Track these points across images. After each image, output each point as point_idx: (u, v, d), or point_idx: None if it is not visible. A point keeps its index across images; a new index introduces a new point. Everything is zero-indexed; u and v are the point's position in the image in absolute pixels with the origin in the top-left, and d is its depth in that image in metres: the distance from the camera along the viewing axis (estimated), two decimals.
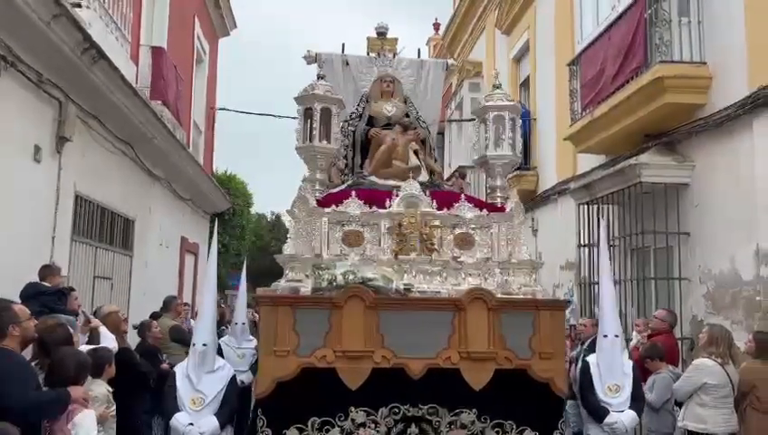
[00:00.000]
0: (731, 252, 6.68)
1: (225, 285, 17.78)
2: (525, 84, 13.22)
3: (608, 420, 4.83)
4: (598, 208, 8.76)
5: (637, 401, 5.00)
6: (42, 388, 3.87)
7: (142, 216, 10.27)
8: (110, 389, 4.48)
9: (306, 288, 4.98)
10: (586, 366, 5.08)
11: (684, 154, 7.55)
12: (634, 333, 6.99)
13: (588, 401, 5.02)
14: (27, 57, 6.15)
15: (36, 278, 5.87)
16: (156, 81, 9.84)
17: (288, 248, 5.32)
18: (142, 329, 6.96)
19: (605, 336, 5.03)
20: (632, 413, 4.89)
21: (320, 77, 5.86)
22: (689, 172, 7.40)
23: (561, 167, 10.90)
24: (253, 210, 22.18)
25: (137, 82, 9.14)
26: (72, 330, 4.69)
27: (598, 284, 8.36)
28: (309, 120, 5.64)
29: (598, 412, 4.90)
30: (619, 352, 5.03)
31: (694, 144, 7.40)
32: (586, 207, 8.98)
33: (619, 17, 8.10)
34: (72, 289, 6.44)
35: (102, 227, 8.73)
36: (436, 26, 22.35)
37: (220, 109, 15.94)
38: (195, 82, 14.08)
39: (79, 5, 6.65)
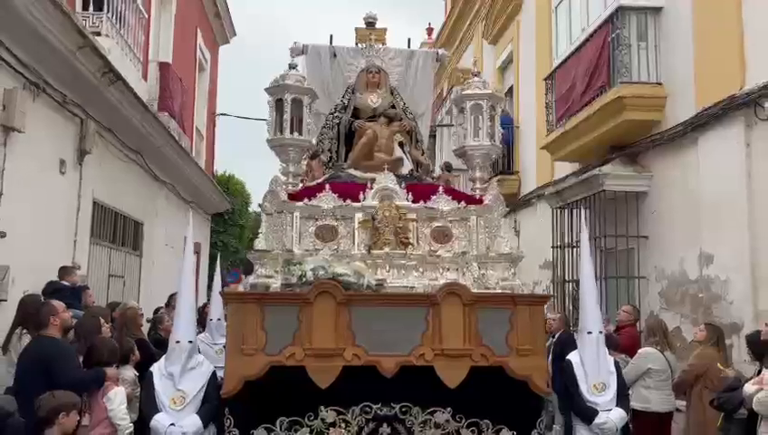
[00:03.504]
0: (680, 254, 7.50)
1: (224, 282, 18.53)
2: (509, 93, 13.99)
3: (597, 420, 4.63)
4: (569, 213, 9.58)
5: (622, 397, 4.83)
6: (81, 368, 4.71)
7: (150, 219, 11.06)
8: (137, 373, 5.29)
9: (276, 284, 4.81)
10: (569, 365, 4.86)
11: (643, 165, 8.37)
12: None
13: (574, 401, 4.82)
14: (55, 82, 6.97)
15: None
16: (163, 94, 10.64)
17: (259, 244, 5.09)
18: (154, 323, 7.74)
19: (589, 333, 4.81)
20: (621, 411, 4.70)
21: (291, 67, 5.58)
22: (647, 182, 8.22)
23: (540, 172, 11.69)
24: (251, 209, 22.95)
25: (146, 96, 9.91)
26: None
27: (573, 281, 9.30)
28: (280, 112, 5.41)
29: (586, 413, 4.70)
30: (603, 349, 4.83)
31: (652, 156, 8.22)
32: (559, 211, 9.78)
33: (588, 39, 8.90)
34: (86, 287, 7.25)
35: (116, 230, 9.54)
36: (430, 31, 23.00)
37: (220, 114, 16.76)
38: (197, 89, 14.85)
39: (98, 33, 7.43)
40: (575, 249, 9.37)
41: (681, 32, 7.67)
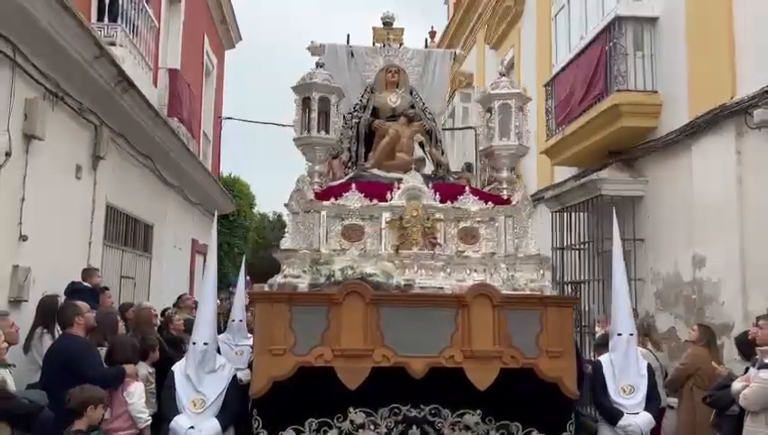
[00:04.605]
0: (675, 257, 7.75)
1: (230, 283, 18.83)
2: None
3: (621, 422, 4.64)
4: (568, 216, 9.84)
5: (651, 401, 4.82)
6: (104, 365, 4.99)
7: (159, 221, 11.33)
8: (151, 370, 5.56)
9: (304, 284, 4.77)
10: (598, 366, 4.88)
11: (639, 170, 8.63)
12: (597, 327, 8.03)
13: (600, 402, 4.83)
14: (72, 91, 7.25)
15: (77, 277, 6.96)
16: (172, 100, 10.92)
17: (286, 243, 5.07)
18: (165, 322, 8.01)
19: (619, 335, 4.83)
20: (648, 415, 4.69)
21: (318, 65, 5.58)
22: (643, 186, 8.49)
23: (541, 176, 11.94)
24: (256, 210, 23.25)
25: (156, 103, 10.18)
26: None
27: (573, 283, 9.55)
28: (307, 111, 5.41)
29: (611, 414, 4.71)
30: (633, 351, 4.85)
31: (647, 162, 8.47)
32: (558, 214, 10.03)
33: (586, 47, 9.14)
34: (106, 288, 7.54)
35: (127, 232, 9.82)
36: (432, 34, 23.24)
37: (226, 118, 17.05)
38: (204, 93, 15.13)
39: (113, 44, 7.72)
40: (574, 251, 9.64)
41: (676, 42, 7.91)
